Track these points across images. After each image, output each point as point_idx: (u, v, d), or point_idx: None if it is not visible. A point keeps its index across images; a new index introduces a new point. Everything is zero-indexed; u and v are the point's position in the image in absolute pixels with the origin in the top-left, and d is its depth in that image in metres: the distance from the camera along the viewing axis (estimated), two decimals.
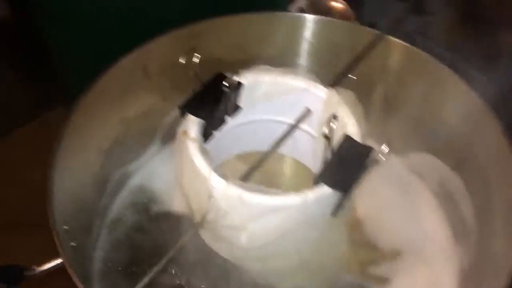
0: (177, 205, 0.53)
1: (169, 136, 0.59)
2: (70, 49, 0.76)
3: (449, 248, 0.51)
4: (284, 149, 0.46)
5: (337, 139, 0.39)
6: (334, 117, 0.37)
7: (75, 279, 0.33)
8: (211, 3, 0.58)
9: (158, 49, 0.51)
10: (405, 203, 0.55)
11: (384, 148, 0.36)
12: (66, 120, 0.44)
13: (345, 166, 0.37)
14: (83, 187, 0.48)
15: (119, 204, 0.55)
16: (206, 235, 0.42)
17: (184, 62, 0.42)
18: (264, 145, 0.48)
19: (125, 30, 0.67)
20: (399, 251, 0.51)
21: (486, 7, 0.71)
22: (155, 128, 0.57)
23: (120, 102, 0.51)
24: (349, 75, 0.49)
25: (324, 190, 0.36)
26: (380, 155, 0.36)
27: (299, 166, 0.51)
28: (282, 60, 0.49)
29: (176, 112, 0.58)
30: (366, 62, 0.50)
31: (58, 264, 0.39)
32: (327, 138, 0.37)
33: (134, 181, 0.56)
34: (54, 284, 0.42)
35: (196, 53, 0.43)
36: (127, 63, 0.49)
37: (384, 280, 0.49)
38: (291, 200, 0.36)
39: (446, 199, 0.52)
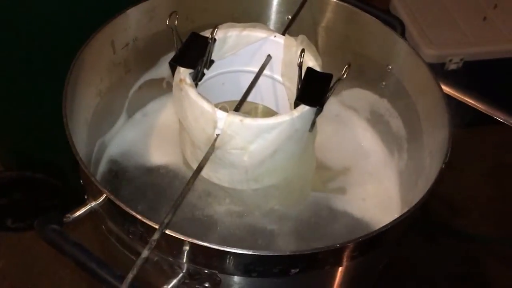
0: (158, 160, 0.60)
1: (133, 108, 0.65)
2: None
3: (387, 159, 0.64)
4: (250, 96, 0.55)
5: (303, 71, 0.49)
6: (303, 50, 0.47)
7: (122, 205, 0.39)
8: None
9: (123, 23, 0.57)
10: (345, 133, 0.67)
11: (346, 68, 0.47)
12: (64, 94, 0.48)
13: (314, 89, 0.47)
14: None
15: (102, 170, 0.60)
16: (206, 170, 0.50)
17: (167, 23, 0.49)
18: (232, 95, 0.57)
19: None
20: (347, 168, 0.63)
21: None
22: (122, 100, 0.63)
23: (94, 75, 0.56)
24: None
25: (304, 108, 0.46)
26: (344, 74, 0.47)
27: (265, 109, 0.60)
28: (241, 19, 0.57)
29: (137, 85, 0.64)
30: (301, 15, 0.61)
31: (85, 211, 0.45)
32: (300, 68, 0.47)
33: (111, 150, 0.62)
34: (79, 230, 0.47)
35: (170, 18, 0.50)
36: (99, 38, 0.55)
37: (342, 190, 0.60)
38: (282, 118, 0.45)
39: (378, 122, 0.65)
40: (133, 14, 0.58)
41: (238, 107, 0.50)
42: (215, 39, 0.50)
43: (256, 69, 0.54)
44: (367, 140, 0.66)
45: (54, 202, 0.98)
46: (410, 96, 0.58)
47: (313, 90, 0.47)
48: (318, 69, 0.50)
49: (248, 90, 0.52)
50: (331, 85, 0.48)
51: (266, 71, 0.55)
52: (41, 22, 0.72)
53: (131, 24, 0.58)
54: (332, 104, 0.68)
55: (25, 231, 1.04)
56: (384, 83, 0.62)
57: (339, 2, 0.60)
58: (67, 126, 0.45)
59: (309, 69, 0.49)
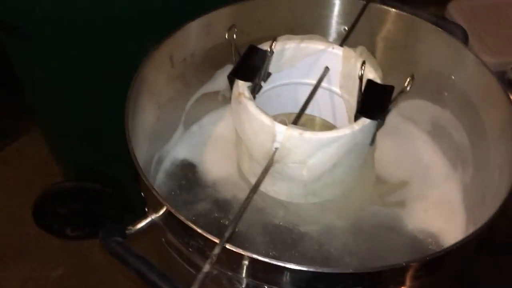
0: (214, 173, 0.60)
1: (189, 120, 0.66)
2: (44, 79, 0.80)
3: (449, 172, 0.61)
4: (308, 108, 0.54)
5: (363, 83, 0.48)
6: (363, 63, 0.46)
7: (182, 218, 0.40)
8: None
9: (182, 38, 0.58)
10: (404, 145, 0.65)
11: (410, 80, 0.46)
12: (125, 108, 0.49)
13: (375, 102, 0.46)
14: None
15: (159, 183, 0.60)
16: (264, 184, 0.50)
17: (226, 37, 0.49)
18: (288, 107, 0.57)
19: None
20: (407, 181, 0.60)
21: None
22: (179, 113, 0.64)
23: (154, 88, 0.57)
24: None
25: (365, 121, 0.45)
26: (408, 86, 0.45)
27: (321, 121, 0.59)
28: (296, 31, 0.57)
29: (194, 98, 0.65)
30: (359, 26, 0.60)
31: (147, 223, 0.45)
32: (360, 80, 0.46)
33: (169, 162, 0.62)
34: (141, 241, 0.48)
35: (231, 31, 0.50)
36: (158, 53, 0.56)
37: (401, 204, 0.58)
38: (342, 132, 0.44)
39: (440, 134, 0.63)
40: (192, 29, 0.59)
41: (297, 120, 0.49)
42: (273, 52, 0.50)
43: (313, 81, 0.54)
44: (427, 152, 0.63)
45: (109, 211, 1.01)
46: (475, 107, 0.56)
47: (374, 102, 0.46)
48: (378, 80, 0.49)
49: (306, 103, 0.51)
50: (393, 97, 0.47)
51: (323, 83, 0.54)
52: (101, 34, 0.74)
53: (189, 39, 0.59)
54: (389, 116, 0.66)
55: (83, 239, 1.07)
56: (446, 94, 0.60)
57: (398, 11, 0.59)
58: (130, 140, 0.46)
59: (370, 81, 0.48)
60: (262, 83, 0.51)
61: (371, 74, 0.49)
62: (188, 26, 0.58)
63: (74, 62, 0.78)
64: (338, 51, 0.52)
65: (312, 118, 0.59)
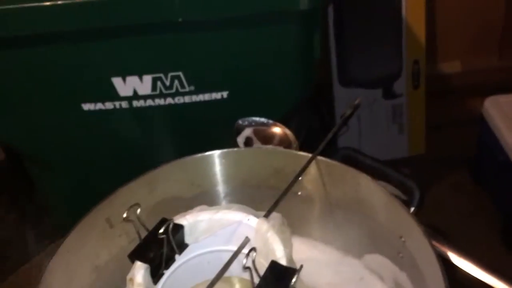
0: None
1: None
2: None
3: None
4: (233, 271, 0.50)
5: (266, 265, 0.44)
6: (254, 249, 0.43)
7: None
8: None
9: (118, 200, 0.58)
10: None
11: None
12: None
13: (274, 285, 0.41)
14: None
15: None
16: None
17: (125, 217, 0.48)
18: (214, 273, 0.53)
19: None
20: None
21: None
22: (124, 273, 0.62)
23: (91, 251, 0.56)
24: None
25: None
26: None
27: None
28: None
29: None
30: (307, 178, 0.57)
31: None
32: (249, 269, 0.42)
33: None
34: None
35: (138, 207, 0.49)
36: (91, 218, 0.55)
37: None
38: None
39: None
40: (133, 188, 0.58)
41: None
42: (179, 227, 0.48)
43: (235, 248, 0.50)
44: None
45: None
46: (423, 275, 0.49)
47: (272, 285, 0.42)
48: (283, 261, 0.44)
49: (219, 274, 0.47)
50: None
51: (245, 250, 0.50)
52: None
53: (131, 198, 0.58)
54: (356, 266, 0.60)
55: None
56: (401, 255, 0.53)
57: (341, 165, 0.55)
58: None
59: (273, 263, 0.44)
60: (177, 256, 0.49)
61: (278, 253, 0.45)
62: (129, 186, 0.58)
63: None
64: (252, 223, 0.49)
65: (228, 279, 0.54)
